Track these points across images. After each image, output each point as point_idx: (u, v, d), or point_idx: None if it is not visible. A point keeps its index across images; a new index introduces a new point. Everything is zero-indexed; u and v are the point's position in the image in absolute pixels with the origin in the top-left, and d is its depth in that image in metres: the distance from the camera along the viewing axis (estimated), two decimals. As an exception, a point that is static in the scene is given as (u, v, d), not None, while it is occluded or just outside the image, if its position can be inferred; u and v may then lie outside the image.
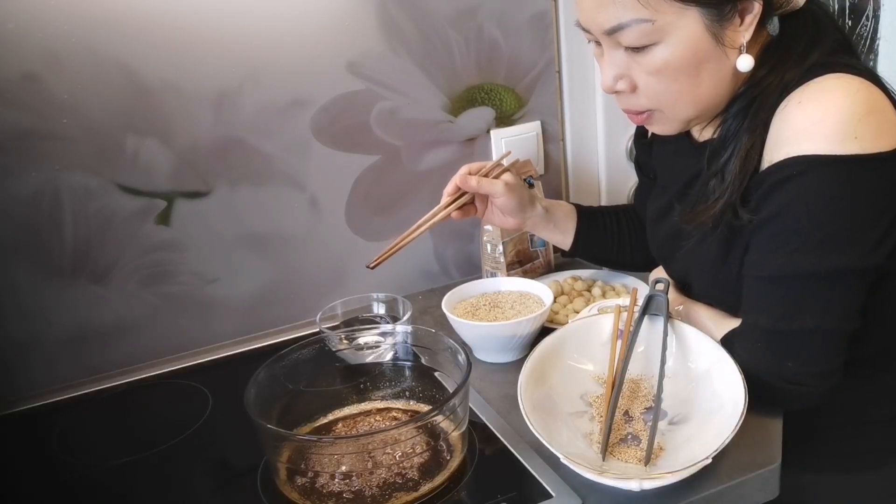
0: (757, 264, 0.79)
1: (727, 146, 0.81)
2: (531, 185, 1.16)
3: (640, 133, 1.08)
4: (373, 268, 0.97)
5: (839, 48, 0.81)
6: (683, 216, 0.87)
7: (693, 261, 0.90)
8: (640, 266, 1.17)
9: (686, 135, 0.93)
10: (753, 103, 0.79)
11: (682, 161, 0.93)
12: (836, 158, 0.72)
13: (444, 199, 1.02)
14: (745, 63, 0.78)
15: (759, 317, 0.79)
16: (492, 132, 1.25)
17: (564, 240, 1.12)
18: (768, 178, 0.76)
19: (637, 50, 0.78)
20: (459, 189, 1.01)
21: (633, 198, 1.20)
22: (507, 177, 1.02)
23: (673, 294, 0.94)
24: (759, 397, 0.77)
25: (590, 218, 1.12)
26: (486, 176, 1.01)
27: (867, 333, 0.79)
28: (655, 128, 0.87)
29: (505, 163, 1.06)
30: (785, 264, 0.76)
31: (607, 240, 1.13)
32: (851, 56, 0.81)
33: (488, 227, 1.21)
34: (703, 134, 0.90)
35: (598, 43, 0.82)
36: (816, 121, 0.73)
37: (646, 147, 1.06)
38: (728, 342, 0.84)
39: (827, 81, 0.75)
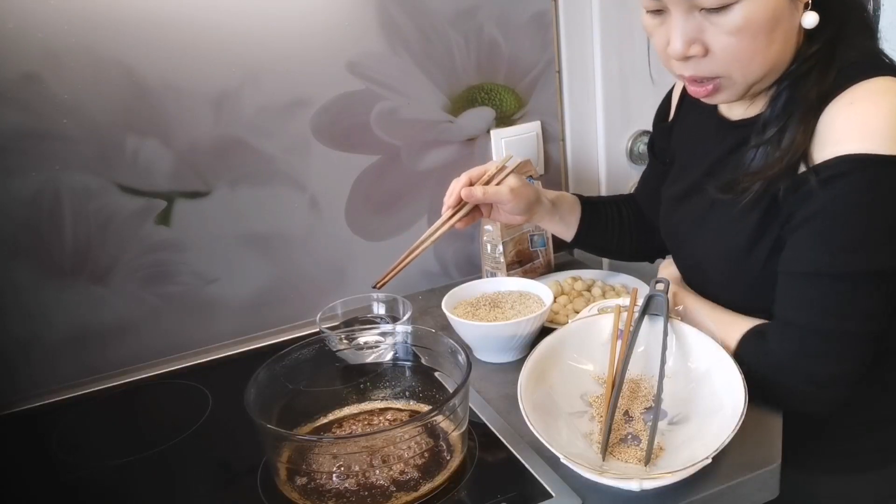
0: (796, 261, 0.78)
1: (784, 113, 0.80)
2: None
3: (661, 117, 1.08)
4: (379, 287, 0.96)
5: (871, 33, 0.82)
6: (723, 185, 0.85)
7: (714, 247, 0.89)
8: (638, 255, 1.18)
9: (717, 114, 0.93)
10: (810, 74, 0.79)
11: (712, 140, 0.93)
12: (885, 159, 0.72)
13: (447, 212, 1.01)
14: (811, 19, 0.78)
15: (794, 314, 0.78)
16: (492, 132, 1.25)
17: (568, 231, 1.12)
18: (815, 175, 0.76)
19: (715, 11, 0.76)
20: (461, 200, 1.00)
21: (634, 187, 1.19)
22: (510, 181, 1.01)
23: (674, 287, 0.94)
24: (778, 399, 0.76)
25: (592, 209, 1.12)
26: (488, 182, 1.01)
27: None
28: (720, 96, 0.84)
29: (509, 165, 1.05)
30: (826, 263, 0.75)
31: (608, 231, 1.13)
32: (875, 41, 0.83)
33: (488, 227, 1.21)
34: (734, 112, 0.90)
35: (655, 12, 0.81)
36: (867, 121, 0.73)
37: (665, 131, 1.06)
38: (754, 339, 0.82)
39: (879, 83, 0.75)
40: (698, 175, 0.93)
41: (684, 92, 1.02)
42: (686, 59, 0.80)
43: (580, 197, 1.13)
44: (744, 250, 0.85)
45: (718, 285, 0.91)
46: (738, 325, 0.85)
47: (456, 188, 1.00)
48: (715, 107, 0.94)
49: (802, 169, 0.78)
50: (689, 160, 0.98)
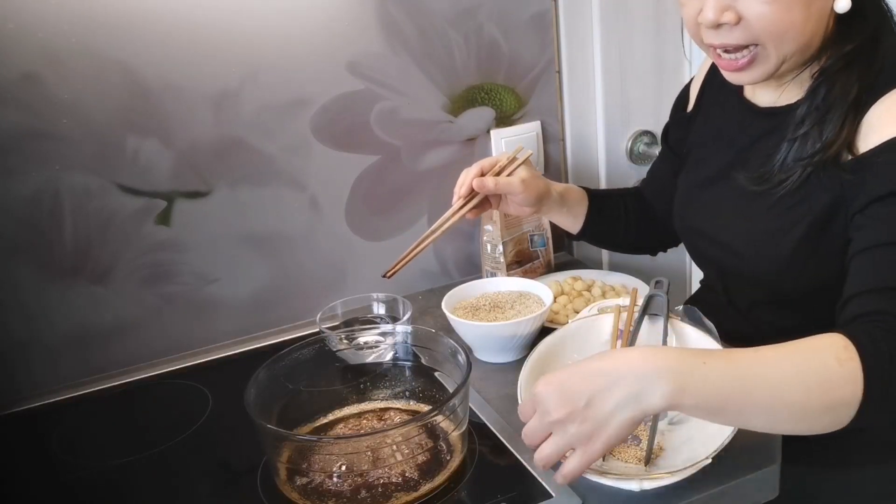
0: (887, 233, 0.75)
1: (824, 106, 0.81)
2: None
3: (679, 107, 1.08)
4: (389, 277, 0.97)
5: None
6: (757, 177, 0.86)
7: (747, 233, 0.89)
8: (640, 249, 1.19)
9: (743, 100, 0.94)
10: (850, 69, 0.80)
11: (737, 126, 0.93)
12: None
13: (458, 202, 1.01)
14: (843, 4, 0.79)
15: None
16: (492, 132, 1.25)
17: (575, 224, 1.12)
18: (877, 157, 0.76)
19: None
20: (472, 190, 1.01)
21: (643, 180, 1.18)
22: (521, 172, 1.02)
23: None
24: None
25: (599, 202, 1.13)
26: (499, 173, 1.01)
27: None
28: (752, 72, 0.84)
29: (519, 157, 1.05)
30: None
31: (614, 224, 1.14)
32: None
33: (488, 226, 1.21)
34: (761, 98, 0.91)
35: None
36: None
37: (683, 121, 1.06)
38: (864, 328, 0.70)
39: None
40: (723, 162, 0.93)
41: (706, 81, 1.02)
42: (718, 27, 0.81)
43: (587, 190, 1.14)
44: (780, 233, 0.85)
45: (757, 267, 0.89)
46: (819, 339, 0.70)
47: (467, 178, 1.01)
48: (741, 92, 0.94)
49: (848, 158, 0.79)
50: (713, 147, 0.98)
